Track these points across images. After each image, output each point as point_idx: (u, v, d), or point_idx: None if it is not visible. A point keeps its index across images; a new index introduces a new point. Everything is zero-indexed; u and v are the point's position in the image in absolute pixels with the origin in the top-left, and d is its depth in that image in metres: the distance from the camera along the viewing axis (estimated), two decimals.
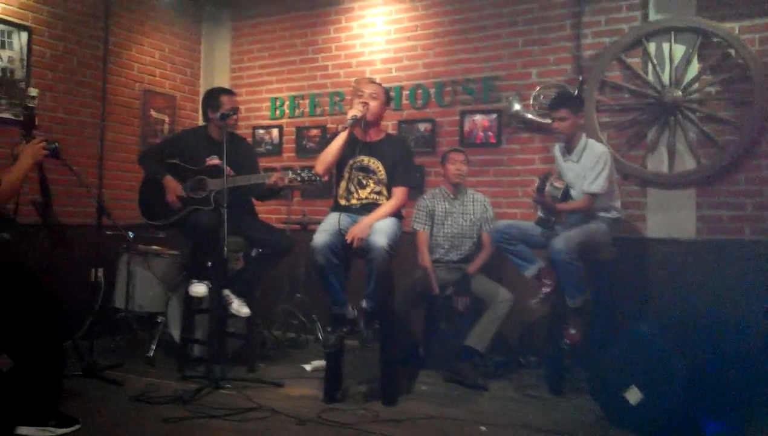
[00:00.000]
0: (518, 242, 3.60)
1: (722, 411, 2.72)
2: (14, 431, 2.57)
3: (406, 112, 4.99)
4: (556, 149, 3.80)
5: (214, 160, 3.79)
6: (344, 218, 3.24)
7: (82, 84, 4.76)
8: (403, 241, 3.38)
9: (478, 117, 4.70)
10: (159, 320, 4.09)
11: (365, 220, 3.19)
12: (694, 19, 4.01)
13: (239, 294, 3.68)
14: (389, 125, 4.86)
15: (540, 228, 3.59)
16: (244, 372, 3.74)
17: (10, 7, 4.30)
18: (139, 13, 5.26)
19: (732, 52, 3.92)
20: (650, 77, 4.14)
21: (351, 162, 3.36)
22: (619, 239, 3.80)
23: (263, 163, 5.11)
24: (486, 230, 4.03)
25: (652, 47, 4.13)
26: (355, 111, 3.28)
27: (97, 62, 4.88)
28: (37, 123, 2.98)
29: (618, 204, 3.68)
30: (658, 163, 4.13)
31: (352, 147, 3.33)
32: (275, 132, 5.55)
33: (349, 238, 3.11)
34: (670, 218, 4.06)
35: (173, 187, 3.74)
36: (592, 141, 3.69)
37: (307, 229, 4.65)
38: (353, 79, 4.84)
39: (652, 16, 4.15)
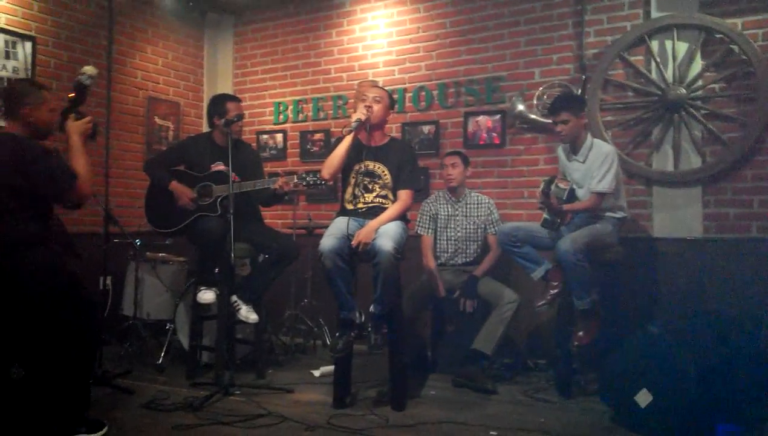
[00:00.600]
0: (525, 244, 3.58)
1: (733, 412, 2.71)
2: None
3: (409, 114, 4.99)
4: (560, 150, 3.78)
5: (219, 167, 3.80)
6: (352, 222, 3.24)
7: None
8: (410, 245, 3.38)
9: (481, 118, 4.69)
10: (167, 328, 4.11)
11: (370, 224, 3.19)
12: (696, 15, 3.99)
13: (247, 300, 3.68)
14: (393, 128, 4.85)
15: (546, 230, 3.59)
16: (253, 378, 3.75)
17: (15, 18, 4.32)
18: (143, 21, 5.28)
19: (735, 48, 3.90)
20: (654, 75, 4.13)
21: (357, 167, 3.36)
22: (626, 238, 3.79)
23: (267, 167, 5.14)
24: (492, 232, 4.03)
25: (654, 45, 4.12)
26: (359, 115, 3.27)
27: (101, 71, 4.87)
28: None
29: (624, 203, 3.67)
30: (663, 161, 4.11)
31: (357, 152, 3.33)
32: (279, 137, 5.56)
33: (354, 242, 3.11)
34: (677, 217, 4.05)
35: (183, 191, 3.76)
36: (597, 140, 3.67)
37: (313, 233, 4.66)
38: (356, 82, 4.83)
39: (655, 13, 4.14)
